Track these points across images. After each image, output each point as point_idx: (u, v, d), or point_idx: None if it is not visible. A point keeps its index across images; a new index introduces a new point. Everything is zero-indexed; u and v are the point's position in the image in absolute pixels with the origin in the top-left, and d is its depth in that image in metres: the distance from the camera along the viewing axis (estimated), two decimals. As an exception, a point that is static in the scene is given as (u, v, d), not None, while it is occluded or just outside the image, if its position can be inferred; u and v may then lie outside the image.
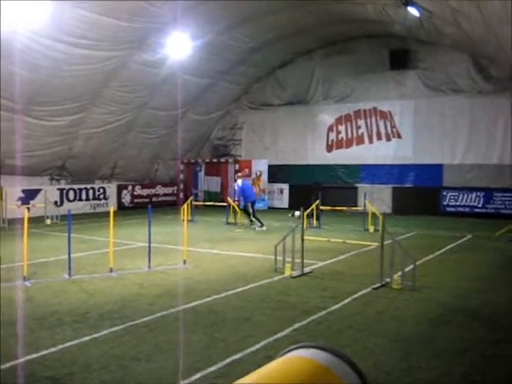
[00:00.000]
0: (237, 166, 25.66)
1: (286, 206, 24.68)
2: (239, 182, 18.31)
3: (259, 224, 17.38)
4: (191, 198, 20.22)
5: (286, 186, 25.37)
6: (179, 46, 18.91)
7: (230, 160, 26.40)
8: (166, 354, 5.81)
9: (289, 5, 18.99)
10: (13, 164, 19.79)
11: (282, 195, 25.45)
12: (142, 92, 21.57)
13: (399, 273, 8.96)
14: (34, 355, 5.77)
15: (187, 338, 6.27)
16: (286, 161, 25.49)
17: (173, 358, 5.68)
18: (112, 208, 10.53)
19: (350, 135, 24.34)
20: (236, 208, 18.60)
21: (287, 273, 9.89)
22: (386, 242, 9.27)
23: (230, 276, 9.96)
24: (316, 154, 24.97)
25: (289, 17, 20.11)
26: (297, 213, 18.66)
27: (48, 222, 18.64)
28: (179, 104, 21.27)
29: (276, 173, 25.35)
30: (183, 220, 15.04)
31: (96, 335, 6.43)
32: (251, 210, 17.78)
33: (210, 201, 23.50)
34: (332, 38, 23.59)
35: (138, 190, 25.01)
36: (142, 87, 21.33)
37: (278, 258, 10.24)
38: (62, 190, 21.88)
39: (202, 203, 23.04)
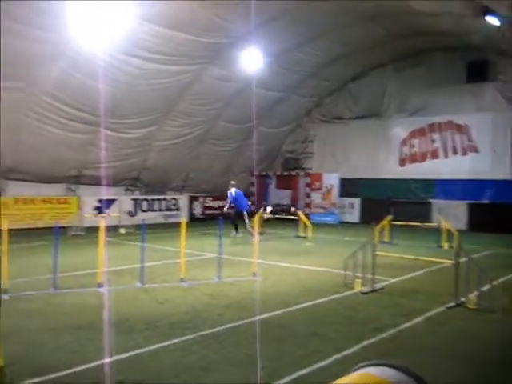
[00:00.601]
0: (308, 180, 25.57)
1: (357, 221, 24.33)
2: (232, 190, 19.24)
3: (234, 232, 18.28)
4: (261, 210, 20.30)
5: (357, 201, 25.01)
6: (251, 60, 19.14)
7: (301, 173, 26.36)
8: (235, 366, 5.82)
9: (361, 19, 18.85)
10: (91, 174, 20.60)
11: (352, 209, 25.11)
12: (214, 105, 21.97)
13: (475, 292, 8.60)
14: (106, 360, 5.92)
15: (255, 351, 6.25)
16: (358, 174, 25.13)
17: (241, 369, 5.68)
18: (184, 219, 10.72)
19: (424, 149, 23.77)
20: (306, 222, 18.50)
21: (357, 288, 9.72)
22: (460, 260, 8.94)
23: (299, 289, 9.90)
24: (388, 167, 24.51)
25: (361, 30, 19.94)
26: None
27: (122, 231, 19.21)
28: (253, 117, 21.47)
29: (347, 186, 25.06)
30: (258, 233, 15.15)
31: (167, 343, 6.54)
32: (240, 218, 18.53)
33: (281, 214, 23.50)
34: (405, 50, 23.21)
35: (209, 202, 25.40)
36: (215, 100, 21.72)
37: (347, 273, 10.08)
38: (135, 201, 22.55)
39: (271, 216, 23.07)
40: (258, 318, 7.75)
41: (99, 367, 5.68)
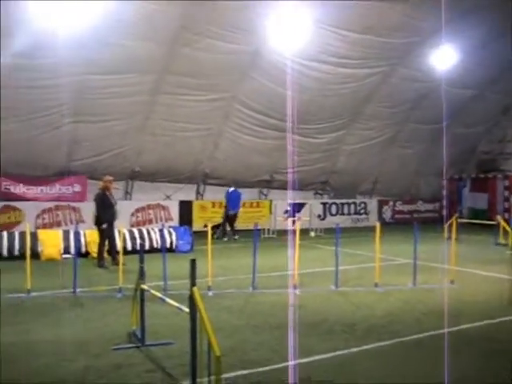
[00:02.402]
0: (507, 182, 23.70)
1: None
2: (230, 189, 18.70)
3: (219, 234, 18.10)
4: (456, 215, 19.25)
5: None
6: (442, 58, 18.31)
7: (499, 175, 24.51)
8: (437, 377, 5.55)
9: None
10: (281, 179, 21.33)
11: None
12: (403, 107, 21.42)
13: None
14: (307, 359, 6.05)
15: (456, 363, 5.90)
16: None
17: (441, 380, 5.40)
18: (378, 223, 10.59)
19: None
20: (507, 228, 17.12)
21: None
22: None
23: (500, 300, 9.16)
24: None
25: None
26: None
27: (312, 234, 19.58)
28: (444, 117, 20.49)
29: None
30: (447, 238, 14.42)
31: (365, 347, 6.49)
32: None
33: (476, 218, 22.06)
34: None
35: (399, 206, 24.81)
36: (403, 102, 21.16)
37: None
38: (324, 204, 22.85)
39: (467, 221, 21.79)
40: (458, 327, 7.36)
41: (300, 365, 5.81)
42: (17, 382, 5.41)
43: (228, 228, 18.65)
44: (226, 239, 18.19)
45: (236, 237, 18.02)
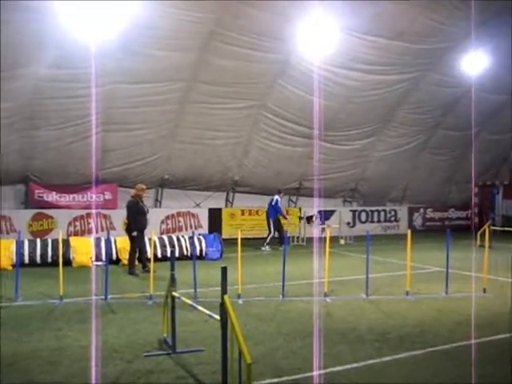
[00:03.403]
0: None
1: None
2: (276, 197, 18.23)
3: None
4: (488, 222, 18.92)
5: None
6: (473, 63, 18.07)
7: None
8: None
9: None
10: (310, 186, 21.27)
11: None
12: (433, 113, 21.19)
13: None
14: (338, 368, 6.00)
15: (487, 374, 5.78)
16: None
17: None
18: (409, 231, 10.49)
19: None
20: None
21: None
22: None
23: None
24: None
25: None
26: None
27: (342, 242, 19.45)
28: (474, 123, 20.19)
29: None
30: (479, 246, 14.19)
31: (396, 356, 6.41)
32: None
33: (509, 226, 21.66)
34: None
35: (430, 213, 24.50)
36: (434, 108, 20.93)
37: None
38: (354, 212, 22.71)
39: (500, 228, 21.39)
40: (493, 338, 7.22)
41: (331, 374, 5.78)
42: (58, 383, 5.54)
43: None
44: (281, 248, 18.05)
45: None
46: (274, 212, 18.11)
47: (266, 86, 17.49)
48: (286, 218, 18.39)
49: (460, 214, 25.42)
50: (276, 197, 18.31)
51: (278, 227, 17.97)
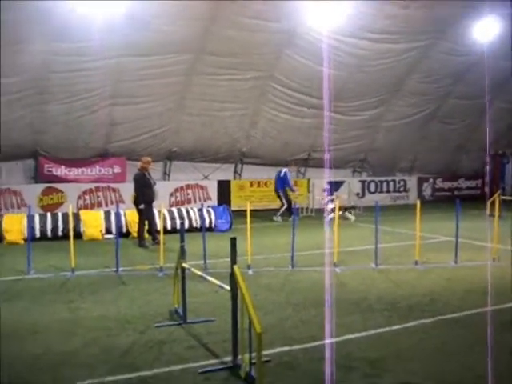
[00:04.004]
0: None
1: None
2: (284, 170, 18.25)
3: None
4: (498, 191, 18.81)
5: None
6: (485, 30, 17.73)
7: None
8: (480, 355, 5.46)
9: None
10: (320, 157, 21.18)
11: None
12: (444, 81, 20.89)
13: None
14: (348, 336, 6.06)
15: (498, 341, 5.79)
16: None
17: (486, 359, 5.31)
18: (418, 201, 10.48)
19: None
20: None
21: None
22: None
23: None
24: None
25: None
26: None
27: (350, 214, 19.37)
28: (487, 91, 19.90)
29: None
30: (489, 215, 14.14)
31: (406, 325, 6.45)
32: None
33: (520, 195, 21.55)
34: None
35: (440, 183, 24.38)
36: (444, 76, 20.62)
37: None
38: (363, 182, 22.65)
39: (510, 198, 21.27)
40: (502, 306, 7.24)
41: (341, 343, 5.83)
42: (73, 352, 5.64)
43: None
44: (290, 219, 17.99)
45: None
46: (281, 184, 18.10)
47: (274, 57, 17.29)
48: (293, 191, 18.36)
49: (470, 183, 25.28)
50: (284, 169, 18.27)
51: (287, 199, 17.99)
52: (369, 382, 4.83)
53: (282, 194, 18.05)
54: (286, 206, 17.83)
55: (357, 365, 5.21)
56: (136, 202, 12.91)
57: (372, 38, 17.38)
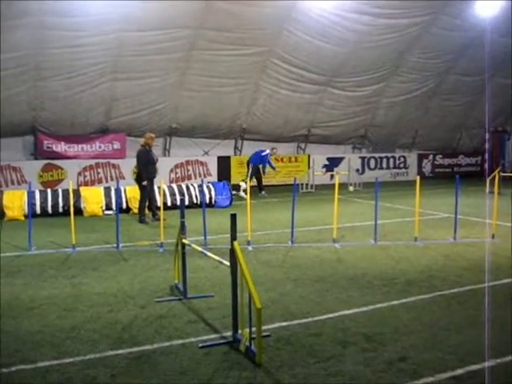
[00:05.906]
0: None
1: None
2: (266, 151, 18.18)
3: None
4: (498, 168, 18.80)
5: None
6: (487, 6, 17.54)
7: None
8: (477, 329, 5.54)
9: None
10: (319, 133, 21.16)
11: None
12: (445, 57, 20.77)
13: None
14: (347, 311, 6.12)
15: (496, 316, 5.85)
16: None
17: (483, 333, 5.39)
18: (418, 177, 10.50)
19: None
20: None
21: None
22: None
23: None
24: None
25: None
26: None
27: (351, 188, 19.47)
28: (487, 67, 19.76)
29: None
30: (489, 192, 14.17)
31: (404, 300, 6.51)
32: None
33: (519, 172, 21.55)
34: None
35: (439, 160, 24.40)
36: (445, 52, 20.50)
37: None
38: (363, 159, 22.66)
39: (510, 174, 21.27)
40: (500, 282, 7.30)
41: (341, 318, 5.89)
42: (74, 327, 5.70)
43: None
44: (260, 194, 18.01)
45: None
46: (257, 160, 18.02)
47: (274, 32, 17.15)
48: (274, 169, 18.46)
49: (469, 160, 25.28)
50: (268, 150, 18.32)
51: (257, 175, 18.00)
52: (366, 357, 4.88)
53: (251, 168, 17.83)
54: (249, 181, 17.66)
55: (354, 340, 5.27)
56: (138, 179, 12.87)
57: (373, 13, 17.22)
